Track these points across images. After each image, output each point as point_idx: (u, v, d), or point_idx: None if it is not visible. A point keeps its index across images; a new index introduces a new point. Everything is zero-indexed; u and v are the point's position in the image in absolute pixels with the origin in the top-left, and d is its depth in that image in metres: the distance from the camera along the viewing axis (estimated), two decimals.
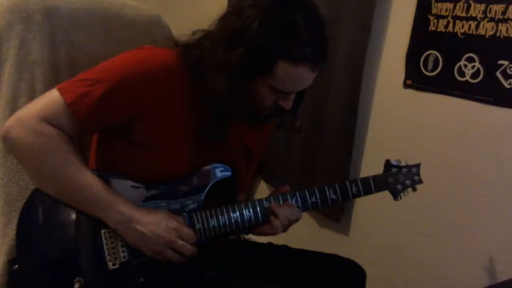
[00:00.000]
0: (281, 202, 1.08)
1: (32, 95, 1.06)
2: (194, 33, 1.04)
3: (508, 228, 1.35)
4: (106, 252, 0.97)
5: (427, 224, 1.56)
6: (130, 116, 0.98)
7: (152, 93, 0.97)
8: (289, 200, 1.09)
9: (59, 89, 0.95)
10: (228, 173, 1.07)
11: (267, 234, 1.09)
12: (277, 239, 1.20)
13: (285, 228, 1.08)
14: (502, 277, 1.37)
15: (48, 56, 1.09)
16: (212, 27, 1.02)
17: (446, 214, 1.50)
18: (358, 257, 1.25)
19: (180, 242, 0.97)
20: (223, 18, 1.00)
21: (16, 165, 1.06)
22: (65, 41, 1.12)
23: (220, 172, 1.06)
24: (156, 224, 0.96)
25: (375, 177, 1.14)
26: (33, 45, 1.06)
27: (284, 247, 1.26)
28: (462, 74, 1.42)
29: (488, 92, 1.36)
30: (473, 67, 1.39)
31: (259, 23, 0.92)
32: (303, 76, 0.98)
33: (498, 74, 1.33)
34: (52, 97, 0.95)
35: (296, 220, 1.09)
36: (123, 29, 1.22)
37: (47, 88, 1.06)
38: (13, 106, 1.05)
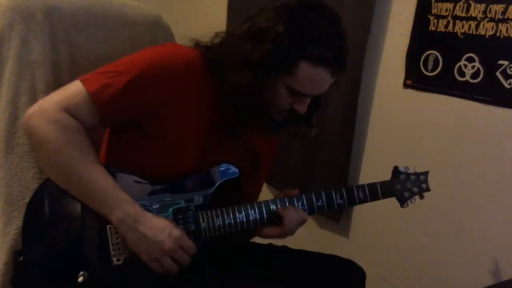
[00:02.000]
0: (287, 205, 1.09)
1: (33, 95, 1.06)
2: (216, 34, 1.06)
3: (508, 228, 1.35)
4: (111, 248, 0.97)
5: (427, 224, 1.56)
6: (149, 108, 0.99)
7: (171, 87, 0.99)
8: (295, 203, 1.09)
9: (82, 80, 0.96)
10: (236, 174, 1.07)
11: (274, 237, 1.09)
12: (277, 240, 1.20)
13: (292, 231, 1.08)
14: (502, 277, 1.37)
15: (49, 56, 1.09)
16: (236, 29, 1.03)
17: (446, 214, 1.50)
18: (358, 257, 1.25)
19: (181, 252, 0.97)
20: (248, 19, 1.02)
21: (17, 165, 1.06)
22: (66, 41, 1.12)
23: (228, 172, 1.07)
24: (160, 230, 0.95)
25: (382, 183, 1.14)
26: (33, 45, 1.07)
27: (284, 248, 1.26)
28: (462, 74, 1.42)
29: (488, 92, 1.36)
30: (473, 67, 1.39)
31: (285, 24, 0.96)
32: (322, 79, 1.00)
33: (498, 74, 1.33)
34: (74, 88, 0.96)
35: (303, 222, 1.10)
36: (123, 29, 1.22)
37: (48, 87, 1.06)
38: (14, 106, 1.05)
